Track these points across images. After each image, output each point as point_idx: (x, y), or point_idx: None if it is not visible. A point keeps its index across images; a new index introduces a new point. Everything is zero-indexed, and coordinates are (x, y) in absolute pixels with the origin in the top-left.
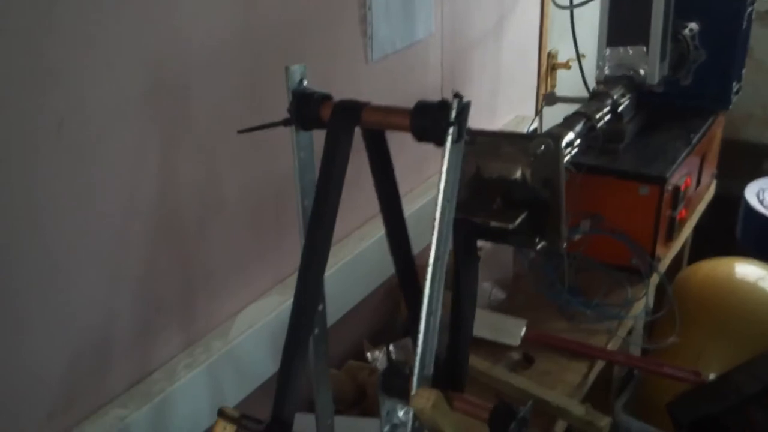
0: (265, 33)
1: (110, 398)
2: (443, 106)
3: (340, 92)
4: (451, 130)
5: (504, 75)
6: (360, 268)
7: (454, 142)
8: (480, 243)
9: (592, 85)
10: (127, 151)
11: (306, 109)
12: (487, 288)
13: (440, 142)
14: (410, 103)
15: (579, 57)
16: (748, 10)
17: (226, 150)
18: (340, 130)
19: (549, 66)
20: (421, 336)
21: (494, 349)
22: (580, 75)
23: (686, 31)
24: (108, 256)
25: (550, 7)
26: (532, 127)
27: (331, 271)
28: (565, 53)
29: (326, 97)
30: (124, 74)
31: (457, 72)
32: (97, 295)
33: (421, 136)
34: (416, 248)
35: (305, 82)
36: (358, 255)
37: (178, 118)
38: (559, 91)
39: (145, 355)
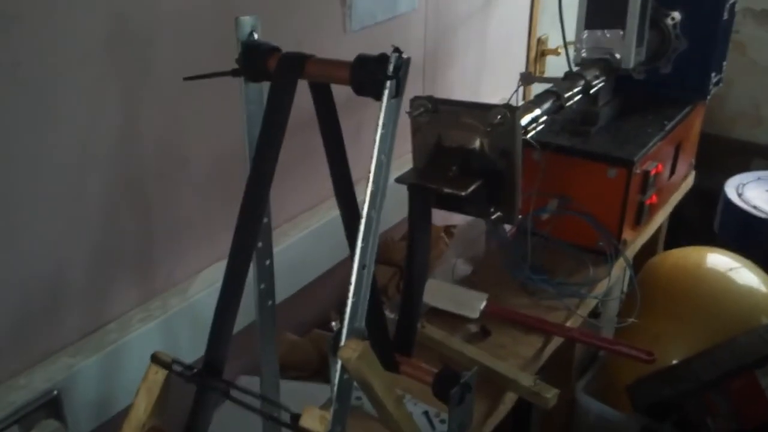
0: None
1: (61, 346)
2: (382, 59)
3: None
4: (388, 84)
5: (490, 57)
6: (329, 237)
7: (392, 97)
8: (456, 221)
9: None
10: (87, 98)
11: (254, 60)
12: (453, 262)
13: (378, 96)
14: None
15: (566, 43)
16: (730, 1)
17: (193, 106)
18: (284, 80)
19: (538, 51)
20: (352, 288)
21: (454, 321)
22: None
23: (668, 20)
24: (63, 204)
25: None
26: None
27: (297, 237)
28: (556, 40)
29: (275, 49)
30: (86, 21)
31: (440, 49)
32: (51, 243)
33: (359, 89)
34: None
35: (256, 35)
36: (327, 223)
37: (141, 70)
38: None
39: (100, 306)
